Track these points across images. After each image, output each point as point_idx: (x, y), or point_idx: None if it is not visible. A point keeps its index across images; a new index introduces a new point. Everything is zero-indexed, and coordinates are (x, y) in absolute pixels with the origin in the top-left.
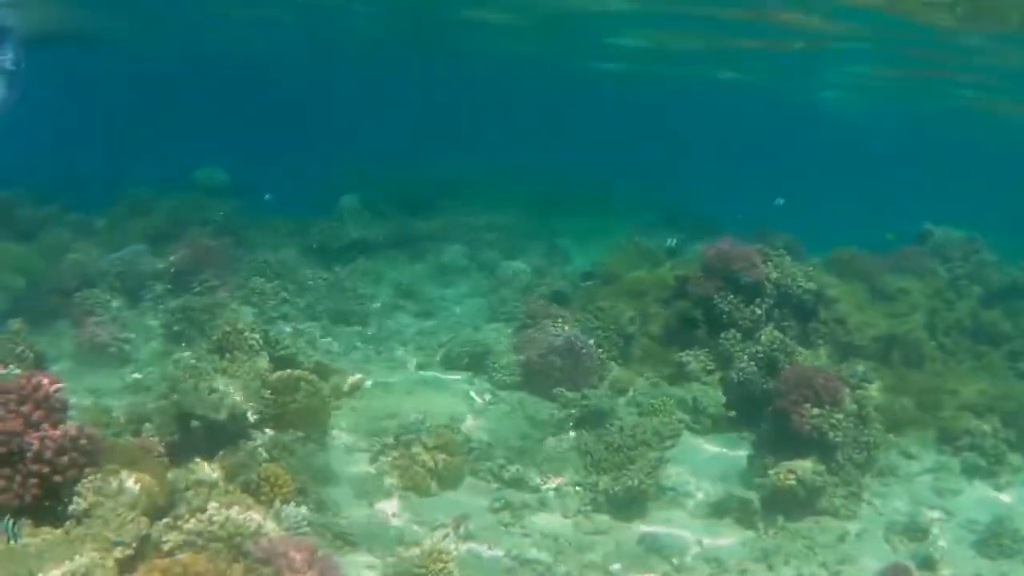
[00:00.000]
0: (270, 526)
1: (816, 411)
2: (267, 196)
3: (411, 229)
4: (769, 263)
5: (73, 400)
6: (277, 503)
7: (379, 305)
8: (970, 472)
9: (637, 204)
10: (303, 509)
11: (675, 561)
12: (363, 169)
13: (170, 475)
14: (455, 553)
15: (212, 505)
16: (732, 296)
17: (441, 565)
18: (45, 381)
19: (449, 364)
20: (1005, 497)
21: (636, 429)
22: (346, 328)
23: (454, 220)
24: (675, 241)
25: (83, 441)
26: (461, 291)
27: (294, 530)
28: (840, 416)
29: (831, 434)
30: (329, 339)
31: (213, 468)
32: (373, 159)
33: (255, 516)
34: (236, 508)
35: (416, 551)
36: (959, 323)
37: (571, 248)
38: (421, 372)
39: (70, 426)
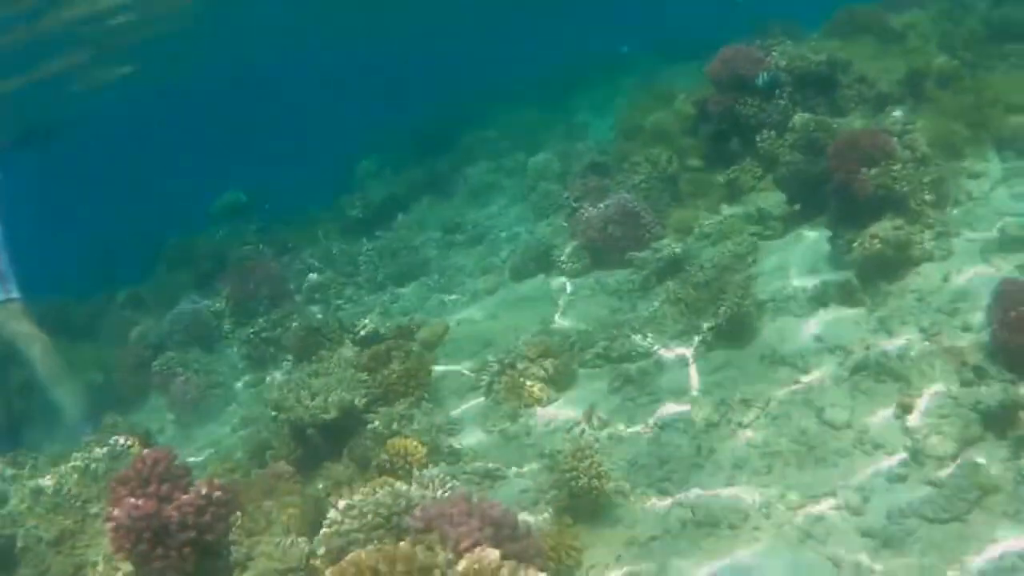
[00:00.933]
0: (417, 494)
1: (873, 171)
2: (266, 205)
3: (434, 167)
4: (773, 53)
5: (196, 460)
6: (415, 471)
7: (433, 250)
8: None
9: (636, 58)
10: (442, 465)
11: (800, 363)
12: (372, 128)
13: (308, 488)
14: (597, 445)
15: (357, 498)
16: (751, 99)
17: (589, 461)
18: (159, 455)
19: (518, 275)
20: None
21: (714, 259)
22: (412, 284)
23: (470, 141)
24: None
25: (217, 493)
26: (502, 204)
27: (441, 489)
28: (898, 167)
29: (896, 186)
30: (400, 301)
31: (345, 465)
32: (378, 115)
33: (401, 491)
34: (380, 492)
35: (561, 457)
36: (974, 34)
37: (589, 120)
38: (495, 294)
39: (199, 485)
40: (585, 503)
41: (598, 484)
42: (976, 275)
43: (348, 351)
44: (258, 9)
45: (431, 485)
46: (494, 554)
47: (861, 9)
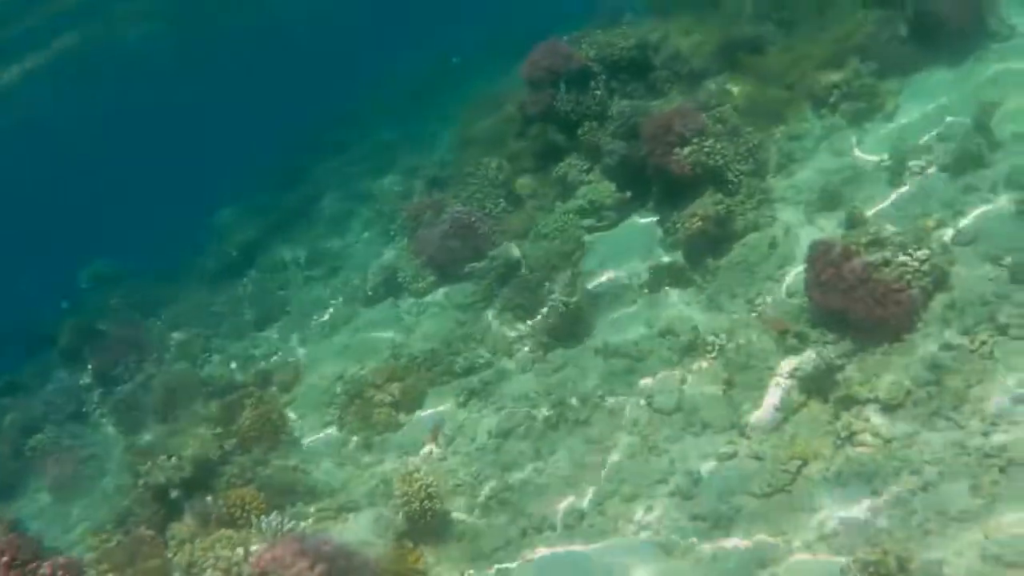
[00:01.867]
0: (255, 542)
1: (687, 150)
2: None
3: (291, 203)
4: (583, 44)
5: (69, 536)
6: (254, 519)
7: (292, 289)
8: (857, 119)
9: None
10: (299, 505)
11: (635, 352)
12: (229, 170)
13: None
14: (425, 465)
15: (198, 555)
16: (567, 94)
17: (418, 483)
18: (4, 544)
19: (370, 301)
20: (896, 122)
21: (539, 260)
22: (274, 325)
23: (323, 171)
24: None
25: (60, 572)
26: (356, 231)
27: (278, 532)
28: (710, 141)
29: (710, 161)
30: (262, 345)
31: (187, 523)
32: (234, 155)
33: (239, 541)
34: (218, 546)
35: (394, 483)
36: None
37: (436, 133)
38: (350, 323)
39: (44, 567)
40: (423, 525)
41: (430, 506)
42: (802, 238)
43: (204, 407)
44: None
45: (269, 531)
46: None
47: None
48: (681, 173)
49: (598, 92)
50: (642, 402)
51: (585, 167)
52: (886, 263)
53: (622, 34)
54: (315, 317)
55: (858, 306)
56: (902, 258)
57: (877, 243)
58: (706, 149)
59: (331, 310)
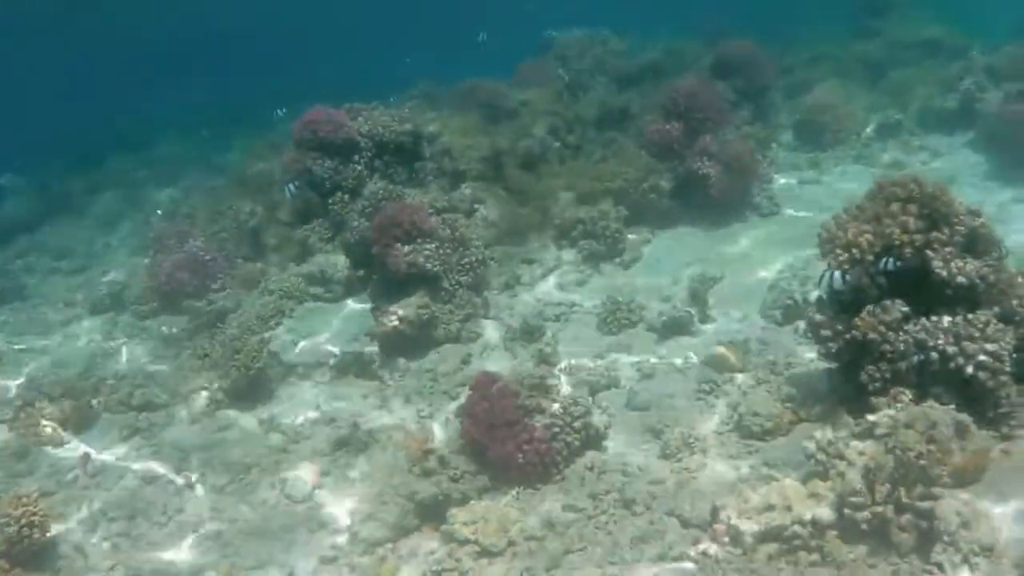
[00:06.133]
0: None
1: (407, 248)
2: None
3: (71, 189)
4: (359, 118)
5: None
6: None
7: (36, 275)
8: (593, 258)
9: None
10: None
11: (292, 432)
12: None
13: None
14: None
15: None
16: (328, 161)
17: (24, 509)
18: None
19: (94, 310)
20: (631, 270)
21: (241, 318)
22: (2, 307)
23: (111, 167)
24: (282, 111)
25: None
26: (122, 234)
27: None
28: (433, 246)
29: (428, 265)
30: None
31: None
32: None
33: None
34: None
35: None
36: (580, 118)
37: (236, 160)
38: (67, 327)
39: None
40: (20, 550)
41: (28, 532)
42: (494, 359)
43: None
44: None
45: None
46: None
47: (483, 84)
48: (396, 269)
49: (358, 167)
50: (278, 484)
51: (328, 235)
52: (540, 411)
53: (400, 119)
54: (42, 311)
55: (497, 446)
56: (556, 409)
57: (541, 389)
58: (426, 252)
59: (58, 307)
